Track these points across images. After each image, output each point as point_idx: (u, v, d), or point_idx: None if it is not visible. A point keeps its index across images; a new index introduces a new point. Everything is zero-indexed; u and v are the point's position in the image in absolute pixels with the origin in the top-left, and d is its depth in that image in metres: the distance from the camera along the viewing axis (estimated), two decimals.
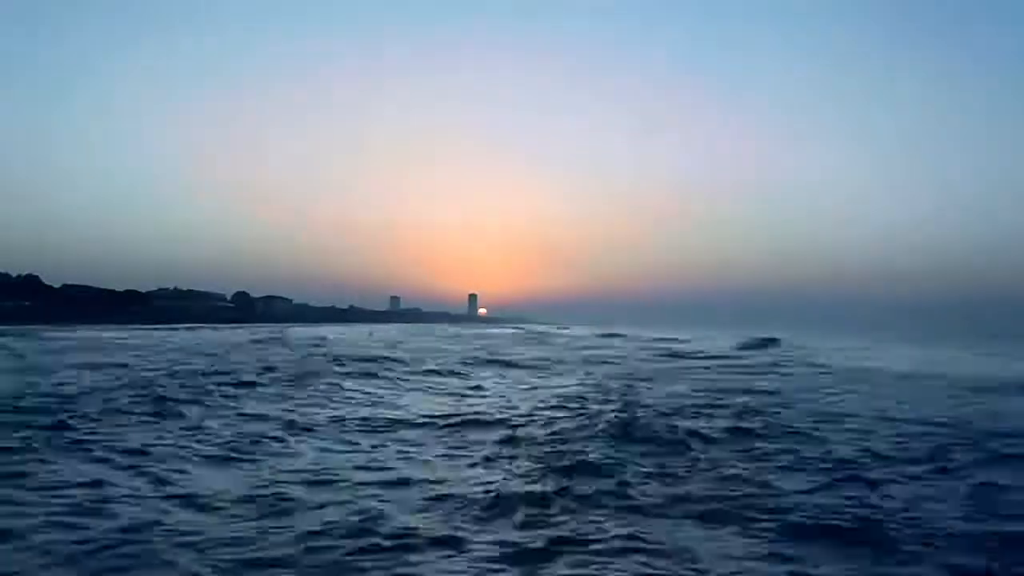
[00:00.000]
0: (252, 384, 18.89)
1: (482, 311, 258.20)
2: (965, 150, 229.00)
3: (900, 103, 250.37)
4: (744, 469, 9.54)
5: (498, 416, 14.33)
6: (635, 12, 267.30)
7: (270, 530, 6.71)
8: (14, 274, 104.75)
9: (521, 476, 9.00)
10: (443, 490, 8.26)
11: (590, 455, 9.97)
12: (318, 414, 14.23)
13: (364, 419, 13.77)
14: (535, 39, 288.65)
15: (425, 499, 7.91)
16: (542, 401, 16.80)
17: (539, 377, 24.51)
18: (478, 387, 20.65)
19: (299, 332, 66.34)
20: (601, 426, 12.40)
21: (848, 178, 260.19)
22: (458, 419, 13.84)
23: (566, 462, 9.56)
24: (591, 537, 6.56)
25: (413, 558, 6.06)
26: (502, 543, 6.44)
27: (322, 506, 7.51)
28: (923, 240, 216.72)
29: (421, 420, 13.78)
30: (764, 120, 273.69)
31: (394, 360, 29.72)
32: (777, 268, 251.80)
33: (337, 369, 24.37)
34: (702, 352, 41.91)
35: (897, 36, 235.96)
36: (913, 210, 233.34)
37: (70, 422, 11.87)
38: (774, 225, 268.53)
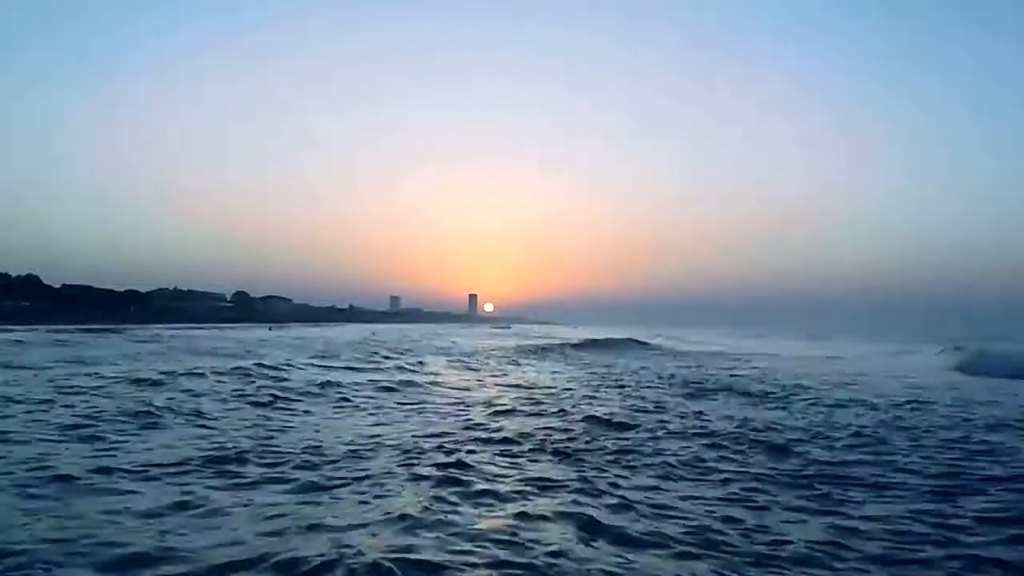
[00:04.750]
0: None
1: (488, 308, 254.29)
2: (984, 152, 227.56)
3: (904, 104, 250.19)
4: None
5: None
6: (639, 10, 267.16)
7: None
8: (14, 274, 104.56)
9: None
10: None
11: None
12: None
13: None
14: (537, 38, 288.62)
15: None
16: None
17: None
18: None
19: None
20: None
21: (858, 182, 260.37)
22: None
23: None
24: None
25: None
26: None
27: None
28: (931, 242, 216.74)
29: None
30: (766, 120, 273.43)
31: None
32: (782, 270, 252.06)
33: None
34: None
35: (901, 36, 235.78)
36: (927, 215, 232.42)
37: None
38: (779, 226, 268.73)
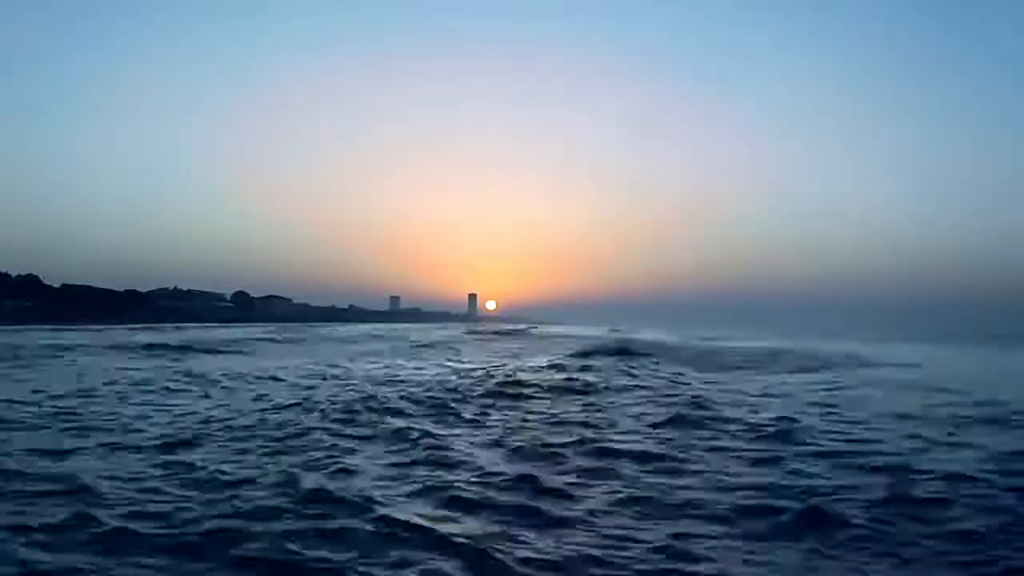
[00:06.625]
0: None
1: (491, 306, 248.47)
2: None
3: (899, 104, 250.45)
4: None
5: None
6: (639, 11, 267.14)
7: None
8: (14, 274, 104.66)
9: None
10: None
11: None
12: None
13: None
14: (536, 39, 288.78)
15: None
16: None
17: None
18: None
19: None
20: None
21: (854, 180, 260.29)
22: None
23: None
24: None
25: None
26: None
27: None
28: (922, 240, 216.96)
29: None
30: (766, 121, 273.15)
31: None
32: (778, 270, 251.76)
33: None
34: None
35: (902, 36, 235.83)
36: (915, 211, 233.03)
37: None
38: (776, 227, 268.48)
